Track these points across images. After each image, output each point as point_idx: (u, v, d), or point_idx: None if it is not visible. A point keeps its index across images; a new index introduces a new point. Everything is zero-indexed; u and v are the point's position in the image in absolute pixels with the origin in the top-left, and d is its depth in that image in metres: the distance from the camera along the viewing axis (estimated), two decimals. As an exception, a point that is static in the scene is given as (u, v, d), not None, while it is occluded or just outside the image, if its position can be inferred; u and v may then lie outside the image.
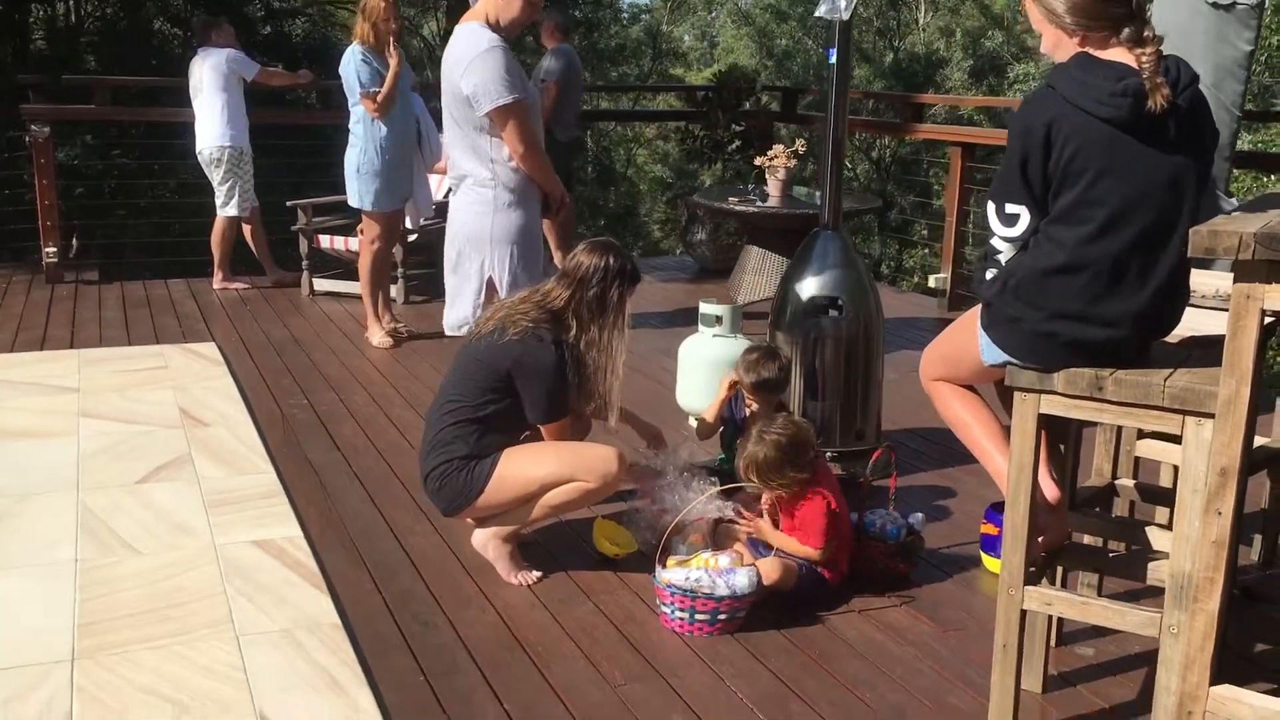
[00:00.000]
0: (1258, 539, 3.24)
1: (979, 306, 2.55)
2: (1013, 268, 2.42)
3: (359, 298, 6.36)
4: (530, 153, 3.62)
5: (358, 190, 5.58)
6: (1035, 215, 2.36)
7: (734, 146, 8.23)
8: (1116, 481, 3.08)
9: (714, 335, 4.49)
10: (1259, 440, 2.99)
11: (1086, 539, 2.96)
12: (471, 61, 3.53)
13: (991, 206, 2.41)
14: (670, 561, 3.12)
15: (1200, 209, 2.31)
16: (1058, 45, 2.41)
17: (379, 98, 5.43)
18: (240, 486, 3.83)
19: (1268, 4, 4.40)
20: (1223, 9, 4.27)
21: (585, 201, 21.34)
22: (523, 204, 3.69)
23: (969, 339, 2.55)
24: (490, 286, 3.77)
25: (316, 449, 4.27)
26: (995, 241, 2.43)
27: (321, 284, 6.91)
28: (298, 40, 13.38)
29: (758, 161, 6.30)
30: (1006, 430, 2.59)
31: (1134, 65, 2.26)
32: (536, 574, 3.26)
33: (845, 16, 3.89)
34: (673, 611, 2.98)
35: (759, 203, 6.22)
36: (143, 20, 12.36)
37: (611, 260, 3.19)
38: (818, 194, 6.87)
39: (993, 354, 2.46)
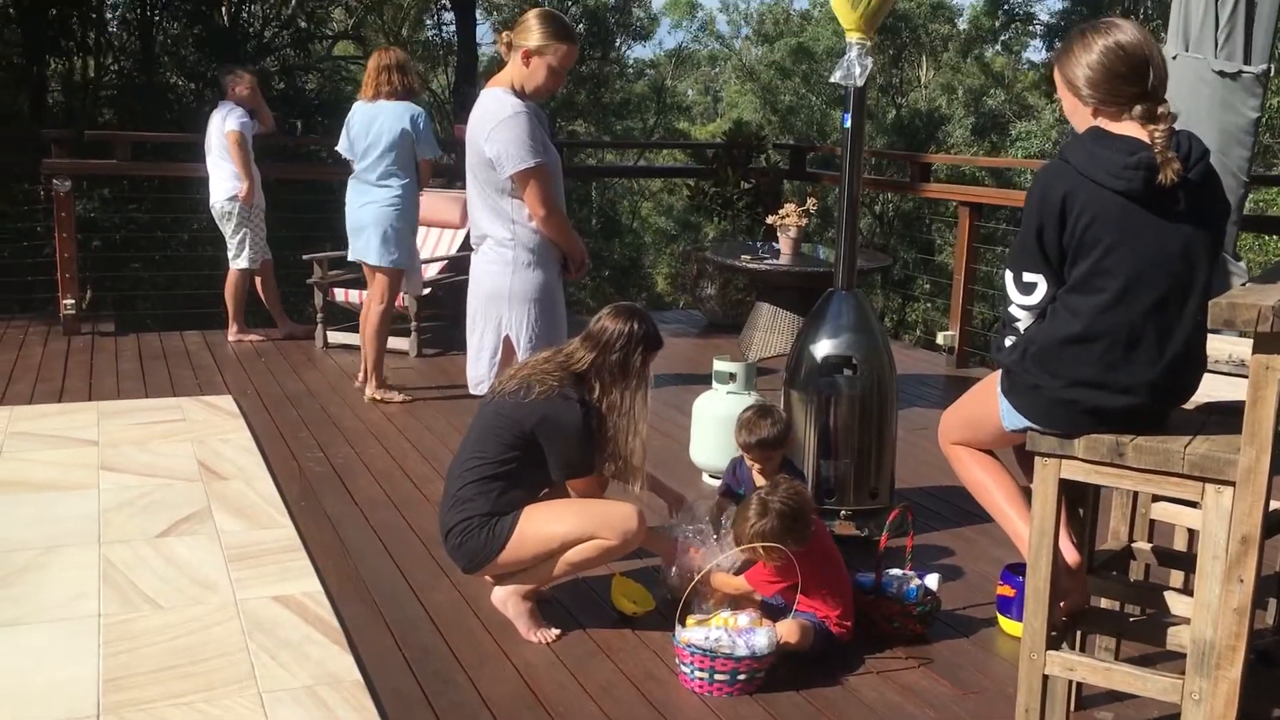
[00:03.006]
0: (1273, 603, 3.25)
1: (998, 372, 2.60)
2: (1031, 335, 2.47)
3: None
4: (551, 215, 3.69)
5: (387, 248, 5.63)
6: (1052, 284, 2.42)
7: (743, 203, 8.32)
8: (1133, 544, 3.11)
9: (728, 392, 4.54)
10: (1274, 504, 3.03)
11: (1104, 602, 2.98)
12: (495, 126, 3.61)
13: (1009, 275, 2.47)
14: (690, 620, 3.13)
15: (1214, 278, 2.37)
16: (1074, 112, 2.51)
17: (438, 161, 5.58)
18: (259, 540, 3.85)
19: (1272, 71, 4.48)
20: (1228, 77, 4.35)
21: (589, 253, 21.49)
22: (541, 264, 3.76)
23: (989, 404, 2.60)
24: (507, 345, 3.82)
25: (334, 503, 4.30)
26: (1013, 309, 2.49)
27: (335, 336, 6.97)
28: (311, 95, 13.59)
29: (769, 220, 6.39)
30: (1025, 493, 2.62)
31: (1146, 139, 2.33)
32: (555, 631, 3.28)
33: (860, 83, 3.98)
34: (692, 671, 2.99)
35: (770, 260, 6.29)
36: (158, 75, 12.55)
37: (635, 326, 3.25)
38: (821, 249, 6.99)
39: (1013, 419, 2.51)
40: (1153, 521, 3.22)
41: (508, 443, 3.22)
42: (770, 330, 6.36)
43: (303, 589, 3.49)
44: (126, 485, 4.32)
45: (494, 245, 3.76)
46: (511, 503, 3.21)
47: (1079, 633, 2.78)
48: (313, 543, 3.89)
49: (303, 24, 15.97)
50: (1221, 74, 4.35)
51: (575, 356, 3.27)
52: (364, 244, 5.70)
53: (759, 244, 7.06)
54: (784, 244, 6.23)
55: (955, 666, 3.19)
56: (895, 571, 3.41)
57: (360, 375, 5.90)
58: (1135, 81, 2.36)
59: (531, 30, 3.65)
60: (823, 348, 4.04)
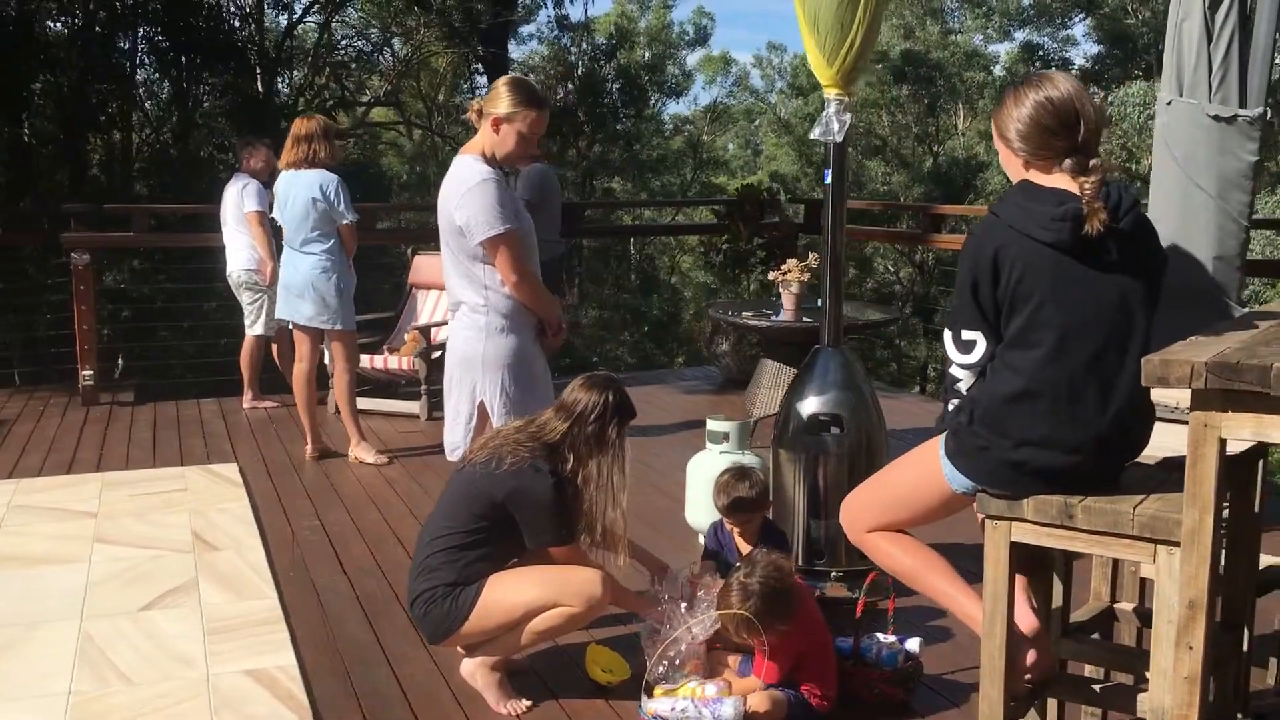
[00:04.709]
0: (1274, 661, 3.12)
1: (929, 442, 2.54)
2: (975, 396, 2.41)
3: (385, 414, 6.46)
4: (523, 280, 3.68)
5: (320, 312, 5.66)
6: (990, 341, 2.37)
7: (757, 259, 8.30)
8: (1116, 605, 3.00)
9: (721, 452, 4.47)
10: (1269, 560, 2.91)
11: (1088, 669, 2.87)
12: (464, 194, 3.61)
13: (948, 334, 2.42)
14: (657, 690, 3.06)
15: (1154, 328, 2.31)
16: (1008, 164, 2.49)
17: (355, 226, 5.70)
18: (242, 613, 3.84)
19: (1269, 114, 4.39)
20: (1224, 121, 4.27)
21: (628, 309, 21.51)
22: (515, 329, 3.74)
23: (924, 473, 2.52)
24: (483, 411, 3.79)
25: (323, 572, 4.28)
26: (954, 370, 2.43)
27: (348, 402, 6.99)
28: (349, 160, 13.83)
29: (771, 276, 6.35)
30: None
31: (1075, 191, 2.28)
32: (526, 703, 3.22)
33: (839, 139, 3.95)
34: (659, 743, 2.92)
35: (773, 317, 6.24)
36: (192, 147, 12.83)
37: (611, 396, 3.20)
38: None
39: (960, 482, 2.44)
40: (1144, 580, 3.11)
41: (477, 513, 3.18)
42: (774, 387, 6.29)
43: (277, 662, 3.46)
44: (118, 557, 4.34)
45: (468, 311, 3.76)
46: (477, 573, 3.17)
47: (1049, 700, 2.68)
48: (295, 614, 3.86)
49: (336, 89, 16.28)
50: (1216, 118, 4.27)
51: (548, 427, 3.23)
52: (294, 308, 5.73)
53: (775, 300, 7.00)
54: (786, 300, 6.18)
55: (934, 735, 3.08)
56: (876, 636, 3.32)
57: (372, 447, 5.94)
58: (1065, 135, 2.32)
59: (501, 98, 3.66)
60: (809, 405, 3.98)
